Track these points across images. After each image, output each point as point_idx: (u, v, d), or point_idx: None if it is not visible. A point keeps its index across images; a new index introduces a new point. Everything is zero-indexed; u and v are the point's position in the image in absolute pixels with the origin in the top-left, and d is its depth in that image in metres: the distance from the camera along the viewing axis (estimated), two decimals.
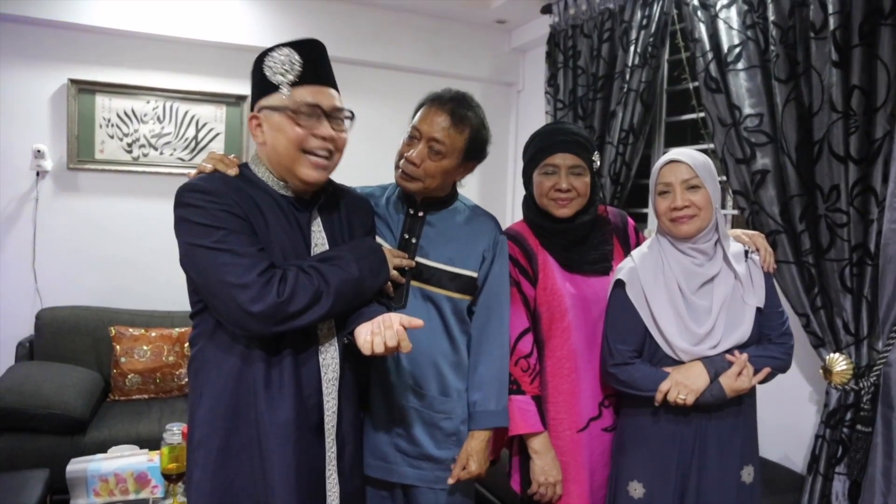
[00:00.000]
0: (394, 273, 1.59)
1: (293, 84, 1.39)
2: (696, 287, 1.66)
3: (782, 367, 1.69)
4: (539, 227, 1.81)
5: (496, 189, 4.48)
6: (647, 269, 1.69)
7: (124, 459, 2.31)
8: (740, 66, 2.45)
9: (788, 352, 1.70)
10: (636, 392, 1.67)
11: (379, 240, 1.69)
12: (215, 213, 1.33)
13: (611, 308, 1.74)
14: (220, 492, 1.40)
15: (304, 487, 1.42)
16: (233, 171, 1.45)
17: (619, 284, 1.71)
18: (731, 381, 1.61)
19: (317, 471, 1.46)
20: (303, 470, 1.42)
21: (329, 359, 1.48)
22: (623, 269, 1.72)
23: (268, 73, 1.39)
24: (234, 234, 1.33)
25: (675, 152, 1.68)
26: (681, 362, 1.65)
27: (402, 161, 1.66)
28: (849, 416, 2.21)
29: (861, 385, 2.17)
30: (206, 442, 1.41)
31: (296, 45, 1.41)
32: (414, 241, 1.71)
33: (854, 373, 2.19)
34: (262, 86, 1.41)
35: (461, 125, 1.64)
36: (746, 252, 1.71)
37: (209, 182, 1.39)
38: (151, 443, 2.69)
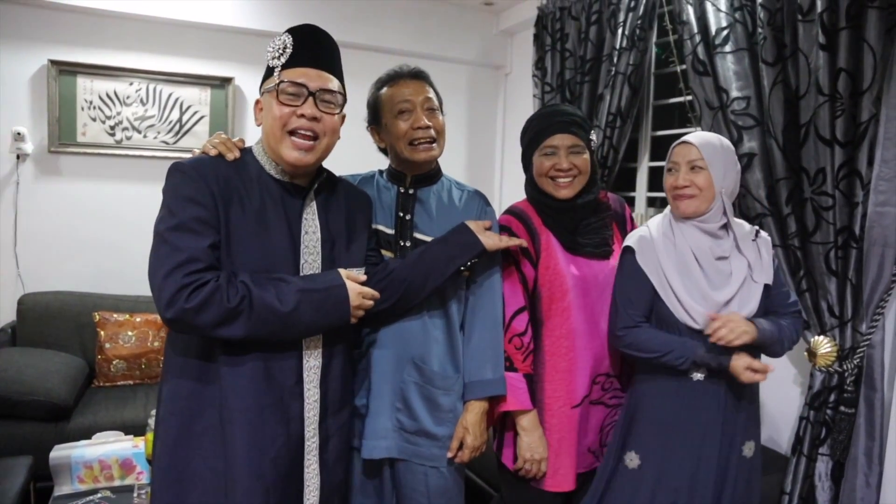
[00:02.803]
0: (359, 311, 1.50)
1: (284, 66, 1.42)
2: (711, 261, 1.69)
3: (796, 341, 1.75)
4: (544, 205, 1.83)
5: (484, 172, 4.46)
6: (659, 238, 1.72)
7: (109, 446, 2.30)
8: (728, 48, 2.44)
9: (800, 328, 1.77)
10: (642, 354, 1.69)
11: (379, 226, 1.72)
12: (182, 198, 1.35)
13: (620, 275, 1.77)
14: (177, 470, 1.41)
15: (271, 476, 1.42)
16: (231, 156, 1.47)
17: (629, 251, 1.74)
18: (740, 365, 1.62)
19: (291, 460, 1.45)
20: (270, 458, 1.41)
21: (312, 347, 1.47)
22: (633, 236, 1.76)
23: (267, 57, 1.45)
24: (186, 228, 1.33)
25: (692, 135, 1.73)
26: (692, 330, 1.67)
27: (415, 133, 1.69)
28: (832, 397, 2.23)
29: (845, 367, 2.19)
30: (167, 419, 1.43)
31: (292, 30, 1.45)
32: (408, 217, 1.74)
33: (838, 355, 2.20)
34: (265, 72, 1.47)
35: (429, 82, 1.77)
36: (757, 231, 1.75)
37: (195, 164, 1.41)
38: (136, 429, 2.68)
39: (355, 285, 1.47)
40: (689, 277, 1.68)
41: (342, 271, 1.47)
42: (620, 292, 1.75)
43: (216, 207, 1.37)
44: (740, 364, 1.62)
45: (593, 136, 1.84)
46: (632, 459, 1.75)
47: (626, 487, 1.75)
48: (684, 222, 1.72)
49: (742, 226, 1.74)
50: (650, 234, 1.74)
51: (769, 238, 1.76)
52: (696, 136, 1.72)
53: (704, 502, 1.67)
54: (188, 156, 1.51)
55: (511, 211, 1.87)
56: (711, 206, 1.68)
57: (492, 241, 1.68)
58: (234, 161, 1.46)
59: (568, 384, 1.79)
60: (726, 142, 1.73)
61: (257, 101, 1.50)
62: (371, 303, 1.51)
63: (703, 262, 1.69)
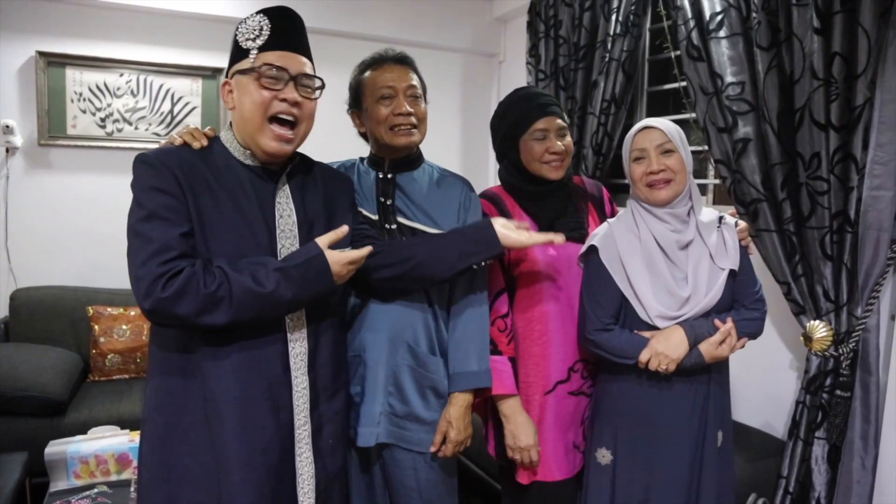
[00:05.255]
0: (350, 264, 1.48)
1: (261, 49, 1.40)
2: (676, 250, 1.67)
3: (757, 332, 1.71)
4: (527, 192, 1.81)
5: (478, 161, 4.43)
6: (622, 235, 1.69)
7: (105, 440, 2.29)
8: (722, 33, 2.43)
9: (762, 317, 1.72)
10: (614, 358, 1.67)
11: (363, 212, 1.68)
12: (148, 189, 1.34)
13: (586, 274, 1.74)
14: (165, 468, 1.40)
15: (263, 467, 1.40)
16: (197, 144, 1.45)
17: (592, 250, 1.71)
18: (711, 349, 1.62)
19: (282, 450, 1.43)
20: (260, 449, 1.39)
21: (296, 332, 1.45)
22: (597, 234, 1.73)
23: (239, 38, 1.42)
24: (156, 217, 1.32)
25: (647, 120, 1.70)
26: (656, 327, 1.65)
27: (396, 119, 1.67)
28: (828, 381, 2.24)
29: (840, 351, 2.20)
30: (153, 417, 1.41)
31: (266, 11, 1.43)
32: (389, 202, 1.71)
33: (834, 339, 2.21)
34: (236, 53, 1.43)
35: (413, 66, 1.75)
36: (720, 218, 1.71)
37: (158, 153, 1.39)
38: (132, 423, 2.68)
39: (335, 253, 1.42)
40: (655, 272, 1.65)
41: (320, 240, 1.42)
42: (587, 294, 1.72)
43: (184, 195, 1.35)
44: (711, 350, 1.62)
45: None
46: (603, 456, 1.73)
47: (601, 484, 1.73)
48: (650, 213, 1.68)
49: (705, 213, 1.71)
50: (612, 230, 1.71)
51: (733, 223, 1.72)
52: (655, 120, 1.68)
53: (681, 496, 1.66)
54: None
55: (484, 195, 1.85)
56: (684, 189, 1.66)
57: (520, 238, 1.60)
58: (200, 149, 1.44)
59: (541, 369, 1.77)
60: (674, 123, 1.71)
61: (225, 83, 1.46)
62: (354, 267, 1.46)
63: (669, 252, 1.66)
